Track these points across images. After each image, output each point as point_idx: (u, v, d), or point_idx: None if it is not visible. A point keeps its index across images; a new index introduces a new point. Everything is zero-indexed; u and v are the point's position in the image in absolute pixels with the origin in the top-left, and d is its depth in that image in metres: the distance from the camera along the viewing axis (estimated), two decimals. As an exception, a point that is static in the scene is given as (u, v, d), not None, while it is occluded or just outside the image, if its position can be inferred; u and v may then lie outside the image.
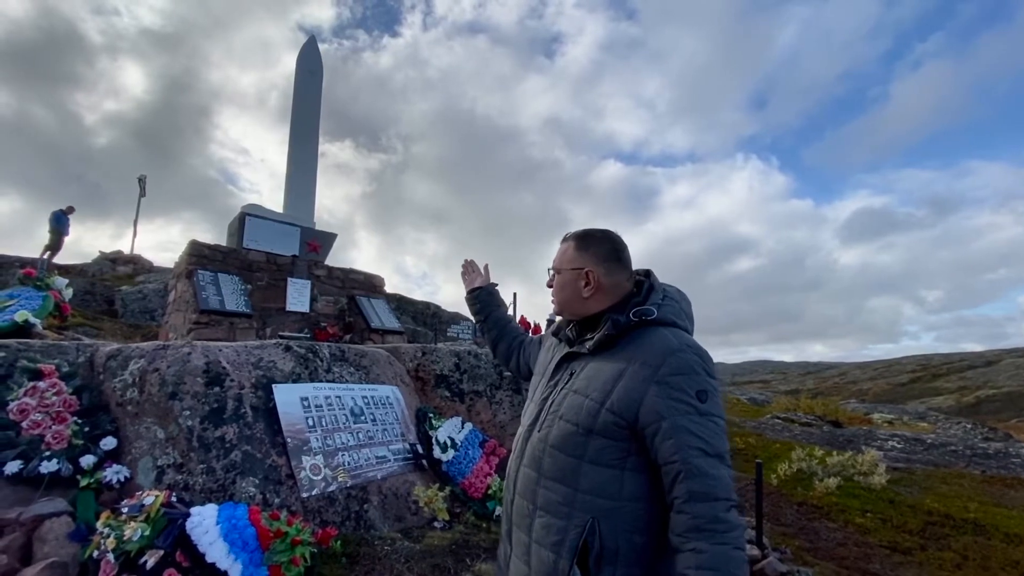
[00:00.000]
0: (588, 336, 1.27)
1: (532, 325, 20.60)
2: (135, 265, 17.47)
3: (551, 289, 1.38)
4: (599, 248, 1.30)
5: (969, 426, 13.42)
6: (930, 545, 4.68)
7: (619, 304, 1.26)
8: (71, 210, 14.04)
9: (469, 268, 1.93)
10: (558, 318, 1.43)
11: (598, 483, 1.13)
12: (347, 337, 9.00)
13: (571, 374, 1.26)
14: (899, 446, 9.06)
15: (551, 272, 1.38)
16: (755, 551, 3.75)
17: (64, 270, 13.81)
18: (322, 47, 11.49)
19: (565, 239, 1.37)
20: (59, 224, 13.85)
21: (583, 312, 1.31)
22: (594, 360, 1.23)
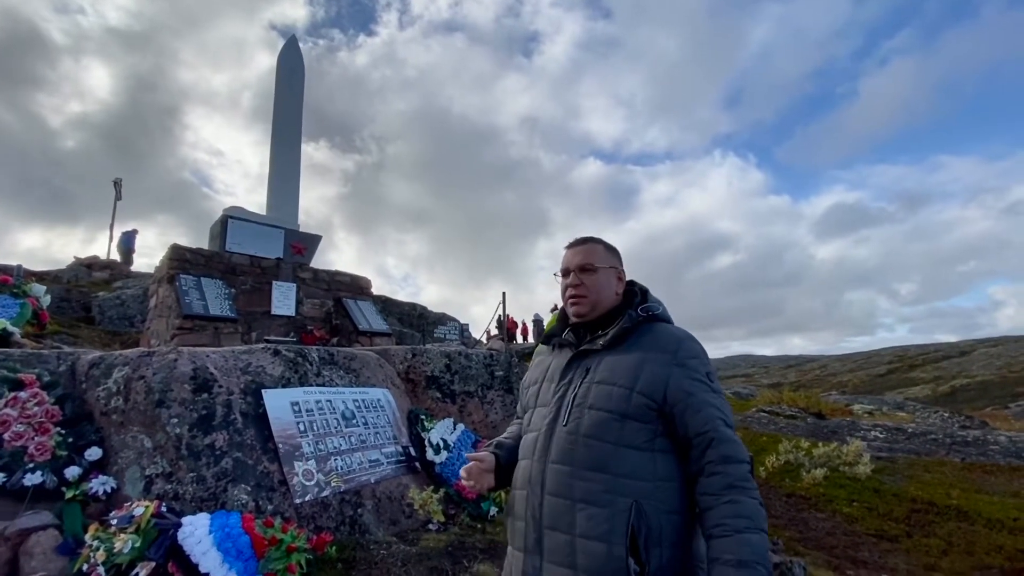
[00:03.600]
0: (600, 333, 1.33)
1: (520, 324, 20.56)
2: (112, 271, 17.02)
3: (575, 289, 1.36)
4: (615, 252, 1.43)
5: (946, 415, 13.75)
6: (916, 532, 4.78)
7: (624, 304, 1.36)
8: (136, 232, 18.31)
9: (472, 476, 1.41)
10: (545, 321, 1.45)
11: (634, 466, 1.18)
12: (334, 340, 8.90)
13: (587, 370, 1.30)
14: (881, 436, 9.24)
15: (571, 274, 1.37)
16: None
17: (38, 277, 13.47)
18: (297, 46, 11.36)
19: (584, 241, 1.42)
20: (125, 244, 17.77)
21: (604, 310, 1.37)
22: (609, 355, 1.29)
